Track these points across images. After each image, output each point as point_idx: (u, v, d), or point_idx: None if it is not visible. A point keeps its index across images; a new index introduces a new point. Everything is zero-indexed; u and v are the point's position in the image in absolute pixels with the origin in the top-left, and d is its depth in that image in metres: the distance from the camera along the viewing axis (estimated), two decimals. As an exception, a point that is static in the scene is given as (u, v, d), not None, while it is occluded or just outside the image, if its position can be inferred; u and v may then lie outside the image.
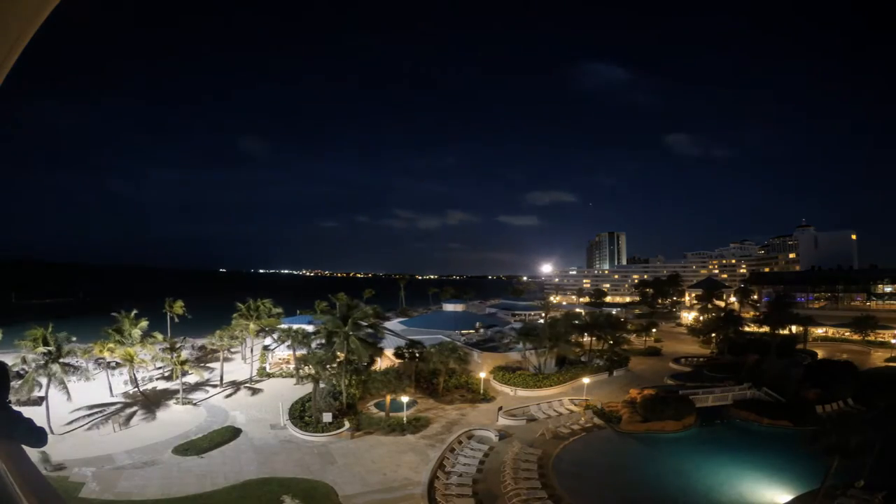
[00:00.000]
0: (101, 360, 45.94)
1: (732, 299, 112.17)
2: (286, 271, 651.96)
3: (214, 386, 45.90)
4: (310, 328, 45.57)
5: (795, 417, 36.10)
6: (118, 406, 38.79)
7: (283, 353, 51.48)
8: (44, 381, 33.66)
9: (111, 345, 42.20)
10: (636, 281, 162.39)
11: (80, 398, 38.19)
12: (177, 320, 62.91)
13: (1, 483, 1.83)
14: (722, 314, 69.66)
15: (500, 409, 37.56)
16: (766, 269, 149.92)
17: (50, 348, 34.27)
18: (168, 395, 42.28)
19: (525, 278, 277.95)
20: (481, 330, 69.18)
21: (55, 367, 33.79)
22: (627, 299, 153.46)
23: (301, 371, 37.43)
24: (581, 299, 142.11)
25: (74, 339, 38.54)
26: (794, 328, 66.94)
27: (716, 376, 48.95)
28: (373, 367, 40.83)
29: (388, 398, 35.62)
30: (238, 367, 53.10)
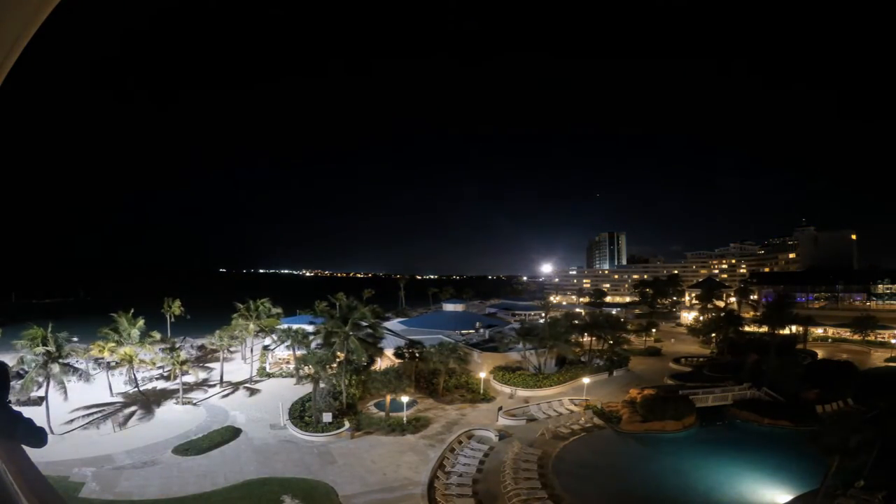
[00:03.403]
0: (100, 361, 45.92)
1: (732, 299, 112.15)
2: (286, 271, 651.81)
3: (214, 386, 45.90)
4: (310, 328, 45.54)
5: (795, 417, 36.12)
6: (118, 406, 38.79)
7: (282, 353, 51.48)
8: (43, 380, 33.64)
9: (111, 345, 42.19)
10: (636, 281, 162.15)
11: (80, 398, 38.20)
12: (173, 319, 62.95)
13: (1, 483, 1.83)
14: (722, 314, 69.61)
15: (500, 409, 37.57)
16: (766, 269, 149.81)
17: (49, 348, 34.23)
18: (168, 394, 42.27)
19: (525, 278, 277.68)
20: (481, 330, 69.15)
21: (55, 367, 33.77)
22: (627, 299, 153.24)
23: (301, 371, 37.46)
24: (581, 299, 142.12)
25: (76, 339, 38.51)
26: (794, 328, 66.92)
27: (716, 376, 48.93)
28: (373, 367, 40.83)
29: (388, 398, 35.61)
30: (238, 367, 53.09)
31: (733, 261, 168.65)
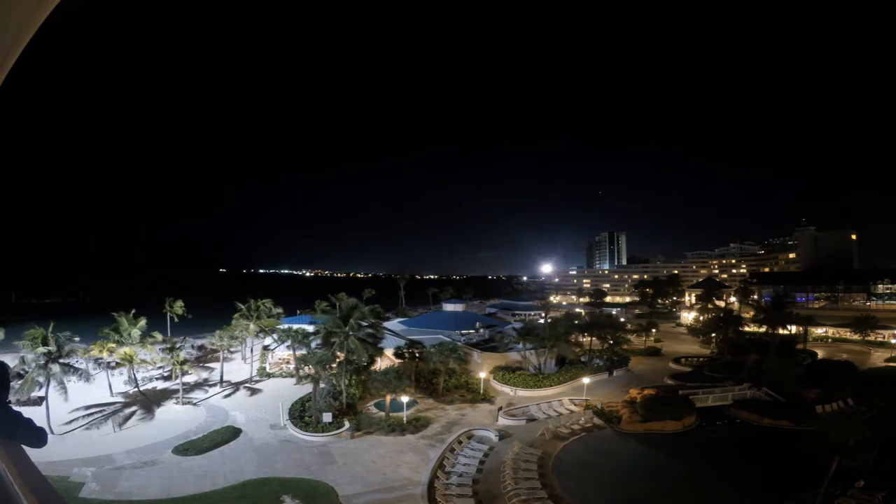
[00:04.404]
0: (100, 361, 45.93)
1: (732, 299, 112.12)
2: (286, 271, 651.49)
3: (214, 386, 45.90)
4: (310, 328, 45.57)
5: (795, 417, 36.11)
6: (118, 406, 38.79)
7: (283, 353, 51.49)
8: (43, 380, 33.64)
9: (111, 345, 42.20)
10: (636, 281, 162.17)
11: (80, 398, 38.21)
12: (176, 320, 62.99)
13: (1, 483, 1.83)
14: (722, 314, 69.61)
15: (500, 409, 37.56)
16: (766, 269, 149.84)
17: (50, 348, 34.24)
18: (168, 394, 42.27)
19: (525, 278, 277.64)
20: (481, 330, 69.17)
21: (55, 367, 33.78)
22: (627, 299, 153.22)
23: (301, 371, 37.46)
24: (581, 299, 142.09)
25: (77, 338, 38.53)
26: (794, 328, 66.90)
27: (716, 376, 48.94)
28: (373, 367, 40.85)
29: (388, 398, 35.59)
30: (238, 367, 53.09)
31: (733, 261, 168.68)
